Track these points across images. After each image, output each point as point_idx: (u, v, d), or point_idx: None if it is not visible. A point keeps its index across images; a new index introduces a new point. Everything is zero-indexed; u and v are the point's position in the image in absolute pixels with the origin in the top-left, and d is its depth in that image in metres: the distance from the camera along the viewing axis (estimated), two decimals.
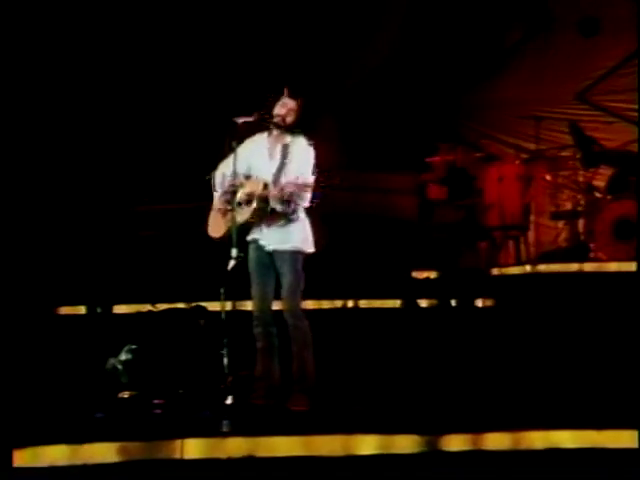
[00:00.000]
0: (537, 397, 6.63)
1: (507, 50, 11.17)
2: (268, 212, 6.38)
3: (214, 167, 6.62)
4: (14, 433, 5.58)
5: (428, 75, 10.98)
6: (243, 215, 6.42)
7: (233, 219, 6.37)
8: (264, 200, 6.36)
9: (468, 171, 10.43)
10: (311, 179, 6.29)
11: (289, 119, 6.46)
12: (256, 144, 6.57)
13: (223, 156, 6.52)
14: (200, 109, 10.25)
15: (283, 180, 6.37)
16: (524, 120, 10.59)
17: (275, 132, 6.51)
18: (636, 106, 9.99)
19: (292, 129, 6.48)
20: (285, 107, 6.46)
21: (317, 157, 6.44)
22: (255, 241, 6.50)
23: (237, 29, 10.49)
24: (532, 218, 10.34)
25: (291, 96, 6.48)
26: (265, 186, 6.38)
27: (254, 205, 6.37)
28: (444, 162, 10.53)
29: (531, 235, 10.36)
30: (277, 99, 6.48)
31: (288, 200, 6.29)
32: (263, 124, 6.49)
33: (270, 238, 6.45)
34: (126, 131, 10.25)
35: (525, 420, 5.98)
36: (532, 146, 10.53)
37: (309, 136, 6.52)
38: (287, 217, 6.41)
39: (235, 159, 6.38)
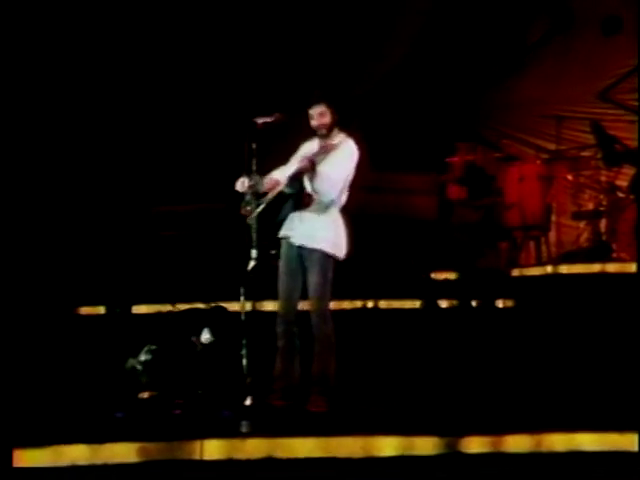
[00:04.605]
0: (558, 399, 6.60)
1: (528, 49, 11.11)
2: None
3: (233, 168, 6.58)
4: (27, 432, 5.60)
5: (448, 74, 10.95)
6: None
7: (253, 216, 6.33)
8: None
9: (487, 171, 10.40)
10: (332, 176, 6.32)
11: (327, 122, 6.47)
12: (309, 148, 6.60)
13: (243, 157, 6.48)
14: (219, 109, 10.26)
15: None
16: (545, 119, 10.59)
17: (321, 139, 6.55)
18: None
19: (336, 130, 6.49)
20: (315, 116, 6.48)
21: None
22: (286, 237, 6.52)
23: (253, 31, 10.48)
24: (553, 218, 10.32)
25: (312, 105, 6.49)
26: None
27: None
28: (463, 162, 10.49)
29: (552, 235, 10.33)
30: (307, 110, 6.51)
31: (294, 179, 6.32)
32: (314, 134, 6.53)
33: (300, 234, 6.47)
34: (145, 131, 10.26)
35: (546, 422, 5.95)
36: (553, 146, 10.50)
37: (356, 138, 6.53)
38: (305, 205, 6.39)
39: (250, 162, 6.33)
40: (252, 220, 6.29)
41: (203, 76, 10.45)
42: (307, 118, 6.52)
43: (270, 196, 6.45)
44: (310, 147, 6.61)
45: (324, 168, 6.37)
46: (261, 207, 6.36)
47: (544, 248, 10.21)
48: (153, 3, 10.33)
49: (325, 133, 6.48)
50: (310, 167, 6.36)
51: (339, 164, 6.44)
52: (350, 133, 6.57)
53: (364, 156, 6.59)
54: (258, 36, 10.50)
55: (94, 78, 10.10)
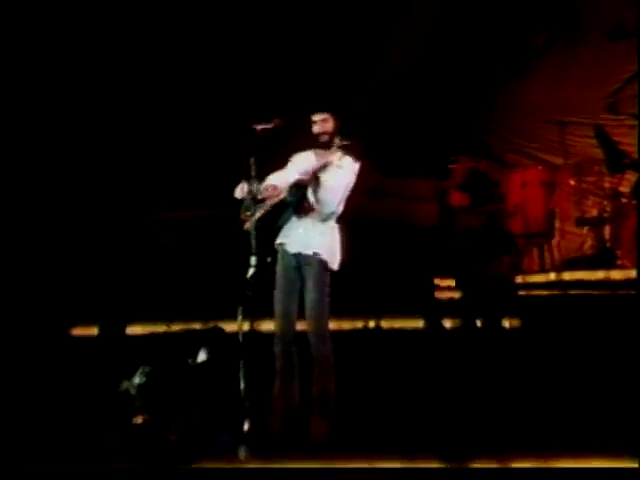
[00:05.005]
0: (567, 421, 6.45)
1: (531, 53, 11.02)
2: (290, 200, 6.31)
3: (232, 174, 6.47)
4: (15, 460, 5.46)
5: (450, 78, 10.84)
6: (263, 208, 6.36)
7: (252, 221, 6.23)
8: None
9: (490, 177, 10.30)
10: (334, 188, 6.27)
11: (329, 130, 6.39)
12: (304, 160, 6.52)
13: (242, 164, 6.33)
14: (219, 115, 10.15)
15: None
16: (546, 125, 10.51)
17: (320, 150, 6.46)
18: None
19: (337, 143, 6.39)
20: (318, 123, 6.41)
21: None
22: (282, 245, 6.44)
23: (254, 37, 10.39)
24: (557, 225, 10.22)
25: (315, 111, 6.42)
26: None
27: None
28: (466, 168, 10.38)
29: (556, 242, 10.23)
30: (309, 118, 6.43)
31: (296, 187, 6.26)
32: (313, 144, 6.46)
33: (296, 241, 6.40)
34: (141, 136, 10.16)
35: (554, 446, 5.82)
36: (559, 160, 10.38)
37: (355, 155, 6.44)
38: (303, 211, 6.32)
39: (249, 168, 6.21)
40: (250, 227, 6.19)
41: (202, 82, 10.36)
42: (307, 123, 6.45)
43: (269, 204, 6.38)
44: (305, 158, 6.53)
45: (327, 180, 6.30)
46: (259, 214, 6.28)
47: (547, 255, 10.12)
48: (152, 9, 10.22)
49: (327, 140, 6.41)
50: (313, 179, 6.28)
51: (341, 178, 6.37)
52: (352, 143, 6.45)
53: (365, 163, 6.50)
54: (258, 41, 10.41)
55: (93, 84, 10.03)
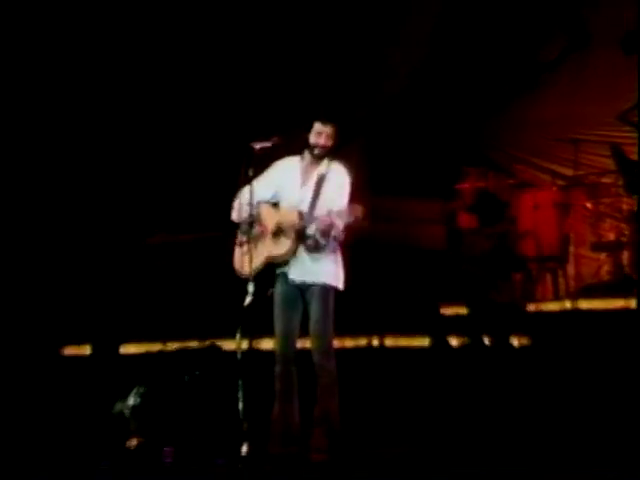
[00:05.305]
0: (577, 443, 6.64)
1: (542, 66, 11.10)
2: (311, 246, 6.47)
3: (229, 195, 6.71)
4: None
5: (456, 94, 10.95)
6: (276, 249, 6.51)
7: (250, 252, 6.43)
8: (303, 233, 6.47)
9: (500, 197, 10.43)
10: (346, 209, 6.39)
11: (330, 145, 6.59)
12: (289, 169, 6.70)
13: (239, 184, 6.60)
14: (216, 133, 10.35)
15: (318, 211, 6.48)
16: (561, 143, 10.56)
17: (309, 158, 6.65)
18: None
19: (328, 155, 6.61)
20: (323, 135, 6.58)
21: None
22: (283, 274, 6.59)
23: (251, 53, 10.58)
24: (571, 249, 10.26)
25: (326, 122, 6.58)
26: (301, 216, 6.50)
27: (290, 238, 6.48)
28: (474, 188, 10.53)
29: (571, 268, 10.27)
30: (309, 127, 6.59)
31: (328, 232, 6.39)
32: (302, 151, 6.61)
33: (299, 271, 6.55)
34: (137, 155, 10.35)
35: (564, 467, 6.02)
36: (569, 171, 10.50)
37: (343, 161, 6.64)
38: (321, 250, 6.51)
39: (252, 187, 6.45)
40: (249, 273, 6.32)
41: (198, 99, 10.54)
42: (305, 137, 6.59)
43: (293, 238, 6.48)
44: (288, 166, 6.67)
45: (341, 206, 6.42)
46: (259, 263, 6.45)
47: (562, 281, 10.18)
48: (145, 26, 10.45)
49: (321, 154, 6.59)
50: (334, 224, 6.37)
51: (345, 194, 6.56)
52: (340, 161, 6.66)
53: (364, 181, 6.64)
54: (257, 55, 10.59)
55: (88, 102, 10.21)
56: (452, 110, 10.97)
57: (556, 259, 10.18)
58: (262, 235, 6.57)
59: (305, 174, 6.67)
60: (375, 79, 10.89)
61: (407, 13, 10.93)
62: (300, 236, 6.49)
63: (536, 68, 11.06)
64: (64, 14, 10.06)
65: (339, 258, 6.61)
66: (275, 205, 6.68)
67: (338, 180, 6.60)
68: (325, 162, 6.64)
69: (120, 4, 10.29)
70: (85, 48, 10.15)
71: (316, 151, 6.58)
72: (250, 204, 6.46)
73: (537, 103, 10.97)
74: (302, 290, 6.58)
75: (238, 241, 6.58)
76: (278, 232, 6.56)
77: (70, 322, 8.63)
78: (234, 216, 6.65)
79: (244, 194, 6.56)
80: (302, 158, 6.69)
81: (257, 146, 6.44)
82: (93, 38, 10.18)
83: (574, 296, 9.63)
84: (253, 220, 6.51)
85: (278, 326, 6.59)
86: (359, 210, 6.34)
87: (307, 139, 6.59)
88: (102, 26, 10.21)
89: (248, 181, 6.47)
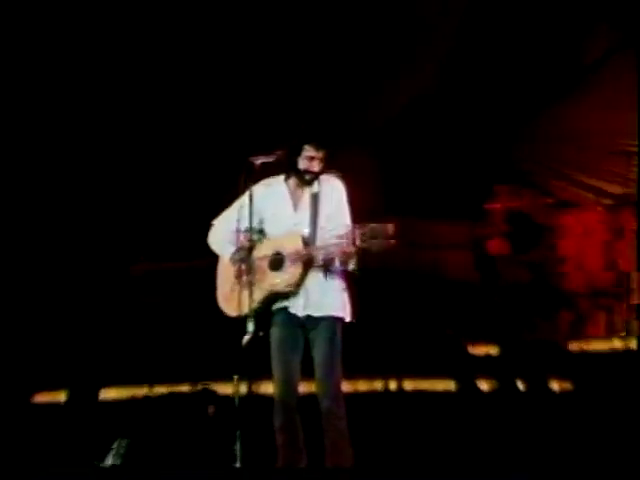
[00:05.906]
0: None
1: (585, 69, 11.13)
2: (321, 274, 6.53)
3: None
4: None
5: (485, 100, 11.02)
6: (279, 279, 6.56)
7: (250, 284, 6.50)
8: (311, 260, 6.52)
9: (535, 219, 10.53)
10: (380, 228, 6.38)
11: (319, 170, 6.65)
12: (273, 195, 6.74)
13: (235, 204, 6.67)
14: (210, 148, 10.48)
15: (320, 236, 6.55)
16: (609, 156, 10.65)
17: (297, 181, 6.71)
18: None
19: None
20: (316, 160, 6.63)
21: (352, 201, 6.68)
22: (283, 310, 6.63)
23: (254, 64, 10.73)
24: (635, 284, 10.18)
25: (320, 147, 6.63)
26: (304, 241, 6.54)
27: (295, 266, 6.52)
28: (505, 209, 10.62)
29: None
30: (300, 151, 6.64)
31: (347, 259, 6.45)
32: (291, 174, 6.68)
33: (303, 303, 6.58)
34: (124, 175, 10.48)
35: None
36: (618, 189, 10.60)
37: (335, 169, 6.72)
38: (329, 277, 6.57)
39: (252, 207, 6.51)
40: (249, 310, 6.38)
41: (191, 114, 10.68)
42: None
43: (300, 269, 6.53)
44: (272, 192, 6.71)
45: (345, 224, 6.51)
46: (261, 299, 6.52)
47: (617, 319, 10.25)
48: (141, 41, 10.62)
49: (310, 180, 6.66)
50: (349, 251, 6.41)
51: (346, 210, 6.65)
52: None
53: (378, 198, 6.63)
54: (259, 66, 10.72)
55: (70, 128, 10.37)
56: (480, 119, 11.04)
57: (612, 294, 10.23)
58: (258, 268, 6.62)
59: (294, 196, 6.73)
60: (396, 87, 10.98)
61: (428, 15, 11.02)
62: (308, 263, 6.55)
63: (577, 69, 11.07)
64: (64, 18, 10.22)
65: (345, 285, 6.65)
66: (261, 232, 6.71)
67: (334, 195, 6.68)
68: (316, 183, 6.71)
69: (117, 15, 10.47)
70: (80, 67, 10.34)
71: (307, 177, 6.65)
72: (250, 227, 6.50)
73: (577, 110, 11.02)
74: (304, 326, 6.61)
75: (235, 272, 6.62)
76: (278, 262, 6.61)
77: (42, 364, 8.65)
78: (220, 242, 6.72)
79: (236, 214, 6.60)
80: (286, 178, 6.74)
81: (257, 161, 6.50)
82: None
83: (627, 335, 9.74)
84: (253, 246, 6.56)
85: (277, 370, 6.59)
86: (391, 229, 6.33)
87: (293, 161, 6.65)
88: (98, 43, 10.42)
89: (249, 197, 6.52)
